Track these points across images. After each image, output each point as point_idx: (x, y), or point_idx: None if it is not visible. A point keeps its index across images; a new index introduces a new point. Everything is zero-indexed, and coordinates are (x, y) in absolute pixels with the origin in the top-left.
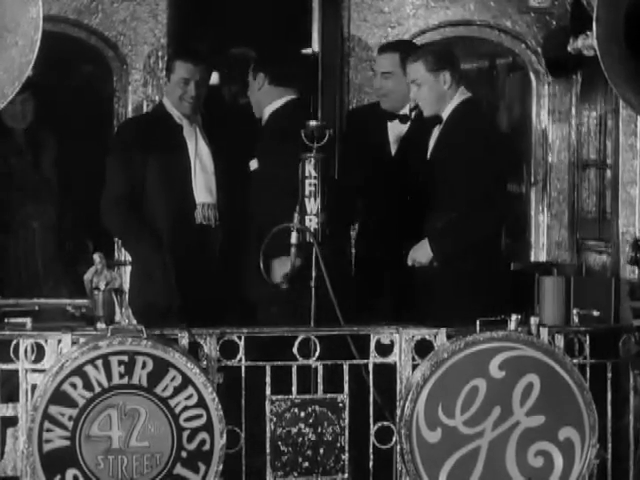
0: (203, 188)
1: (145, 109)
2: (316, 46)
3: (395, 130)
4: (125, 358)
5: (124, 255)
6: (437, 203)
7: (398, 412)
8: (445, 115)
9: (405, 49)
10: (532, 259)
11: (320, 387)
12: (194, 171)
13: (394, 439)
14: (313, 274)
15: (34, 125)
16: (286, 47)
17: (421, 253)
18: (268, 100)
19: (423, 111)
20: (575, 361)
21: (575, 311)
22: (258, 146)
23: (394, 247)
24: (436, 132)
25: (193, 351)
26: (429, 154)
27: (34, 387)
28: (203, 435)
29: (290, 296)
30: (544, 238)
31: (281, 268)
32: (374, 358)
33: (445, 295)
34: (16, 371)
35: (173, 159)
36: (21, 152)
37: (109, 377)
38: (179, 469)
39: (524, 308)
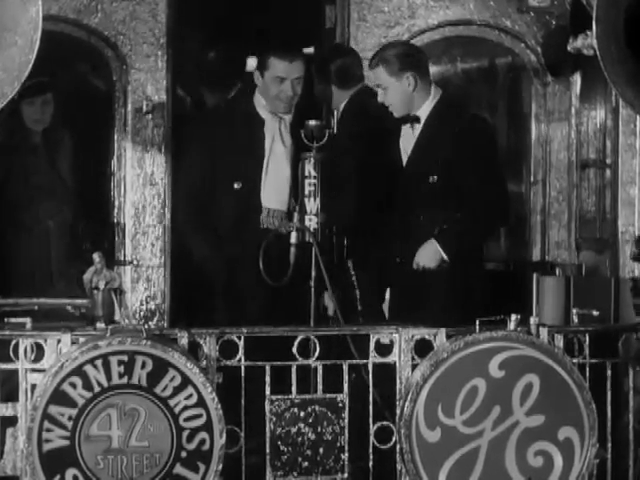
0: (272, 192)
1: (145, 108)
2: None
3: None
4: (125, 358)
5: (124, 255)
6: (437, 204)
7: (398, 412)
8: (423, 115)
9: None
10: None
11: (320, 387)
12: (265, 172)
13: (394, 439)
14: (313, 274)
15: (50, 125)
16: None
17: (427, 255)
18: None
19: (394, 113)
20: (575, 361)
21: (575, 311)
22: None
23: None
24: (415, 132)
25: (193, 351)
26: (409, 155)
27: (34, 387)
28: (203, 435)
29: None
30: (543, 238)
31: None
32: (374, 358)
33: (447, 296)
34: (16, 371)
35: (247, 154)
36: (37, 151)
37: (109, 377)
38: (179, 469)
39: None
